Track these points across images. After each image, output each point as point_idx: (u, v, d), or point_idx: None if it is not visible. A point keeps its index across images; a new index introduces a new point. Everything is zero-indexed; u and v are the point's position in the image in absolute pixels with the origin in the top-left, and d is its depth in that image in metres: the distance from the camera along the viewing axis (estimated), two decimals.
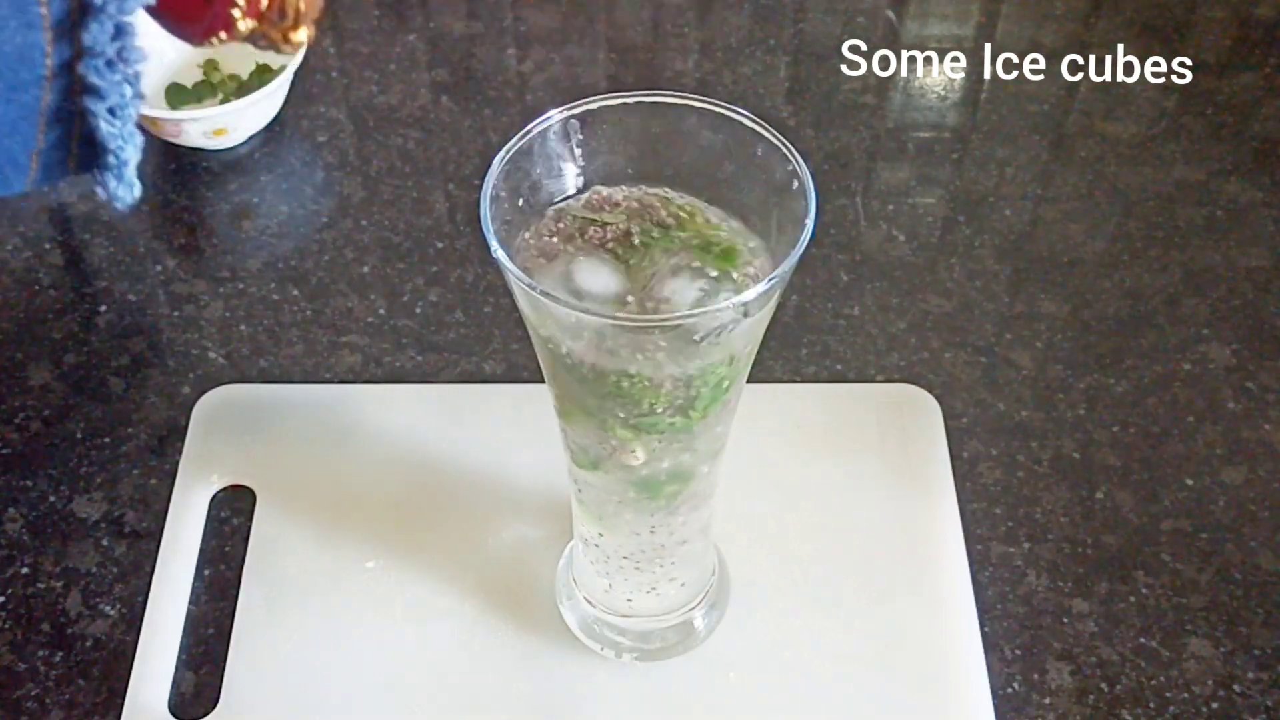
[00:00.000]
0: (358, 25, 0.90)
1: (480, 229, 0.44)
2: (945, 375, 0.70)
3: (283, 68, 0.79)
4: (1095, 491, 0.65)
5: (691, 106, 0.46)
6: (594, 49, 0.88)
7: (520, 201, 0.46)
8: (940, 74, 0.87)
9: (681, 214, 0.46)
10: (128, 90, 0.42)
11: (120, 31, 0.40)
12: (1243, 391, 0.69)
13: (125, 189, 0.45)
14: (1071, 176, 0.80)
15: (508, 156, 0.45)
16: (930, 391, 0.68)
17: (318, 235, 0.77)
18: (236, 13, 0.43)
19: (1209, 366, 0.70)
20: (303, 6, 0.43)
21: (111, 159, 0.44)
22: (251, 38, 0.45)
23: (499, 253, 0.43)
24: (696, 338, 0.43)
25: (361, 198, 0.79)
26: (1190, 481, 0.66)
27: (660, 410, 0.45)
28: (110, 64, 0.41)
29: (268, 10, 0.43)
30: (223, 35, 0.44)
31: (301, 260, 0.76)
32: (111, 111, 0.42)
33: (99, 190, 0.45)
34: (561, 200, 0.47)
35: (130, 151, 0.44)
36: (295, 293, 0.74)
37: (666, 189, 0.47)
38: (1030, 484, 0.65)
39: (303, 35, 0.44)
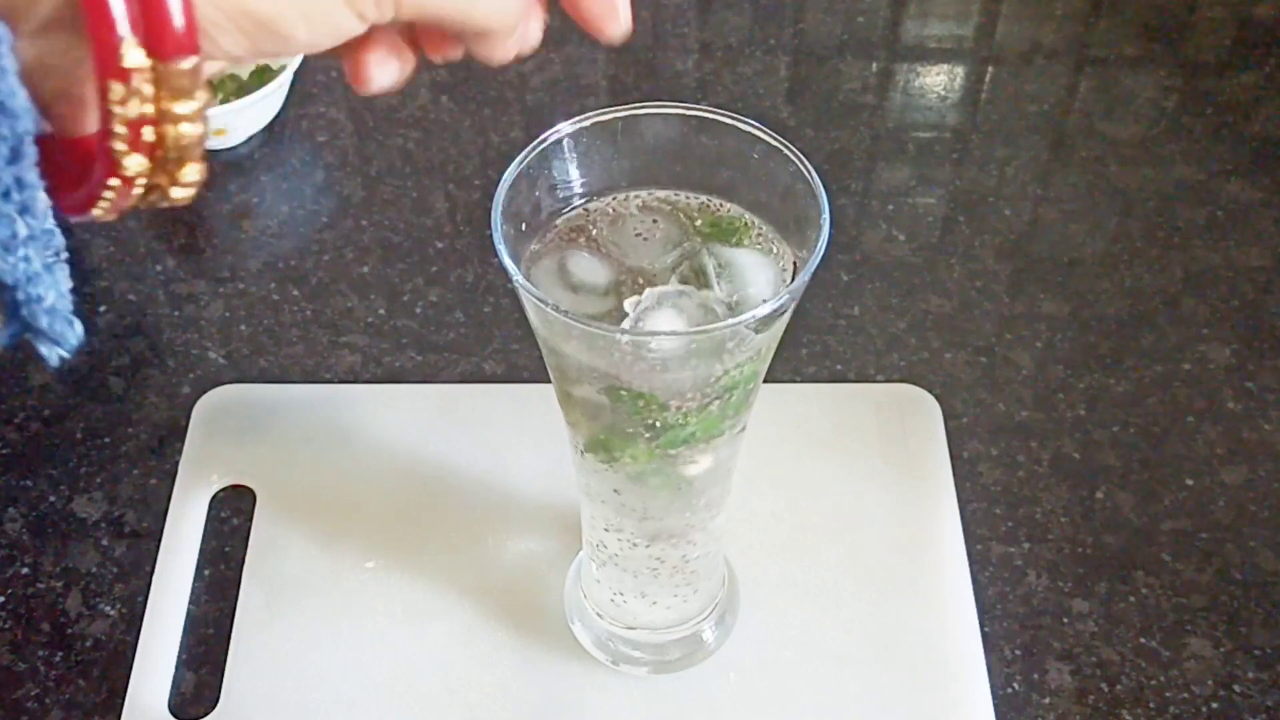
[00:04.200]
0: None
1: (480, 231, 0.44)
2: (945, 375, 0.70)
3: (283, 67, 0.79)
4: (1095, 491, 0.65)
5: (702, 119, 0.46)
6: (594, 49, 0.88)
7: (524, 225, 0.46)
8: (940, 74, 0.87)
9: (694, 212, 0.46)
10: (21, 225, 0.33)
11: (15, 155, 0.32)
12: (1243, 391, 0.69)
13: (59, 330, 0.35)
14: (1071, 176, 0.80)
15: (509, 182, 0.44)
16: (930, 391, 0.68)
17: (318, 235, 0.77)
18: (121, 145, 0.33)
19: (1209, 366, 0.70)
20: (185, 138, 0.34)
21: (20, 303, 0.34)
22: (143, 186, 0.36)
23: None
24: (729, 345, 0.43)
25: (361, 198, 0.79)
26: (1190, 481, 0.66)
27: (683, 420, 0.45)
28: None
29: (156, 146, 0.33)
30: (113, 184, 0.36)
31: (301, 260, 0.76)
32: (4, 248, 0.33)
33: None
34: (569, 211, 0.47)
35: (44, 289, 0.34)
36: (295, 293, 0.74)
37: (676, 190, 0.47)
38: (1030, 484, 0.65)
39: (193, 174, 0.35)
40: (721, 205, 0.46)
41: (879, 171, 0.81)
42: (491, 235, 0.43)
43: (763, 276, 0.45)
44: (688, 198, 0.47)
